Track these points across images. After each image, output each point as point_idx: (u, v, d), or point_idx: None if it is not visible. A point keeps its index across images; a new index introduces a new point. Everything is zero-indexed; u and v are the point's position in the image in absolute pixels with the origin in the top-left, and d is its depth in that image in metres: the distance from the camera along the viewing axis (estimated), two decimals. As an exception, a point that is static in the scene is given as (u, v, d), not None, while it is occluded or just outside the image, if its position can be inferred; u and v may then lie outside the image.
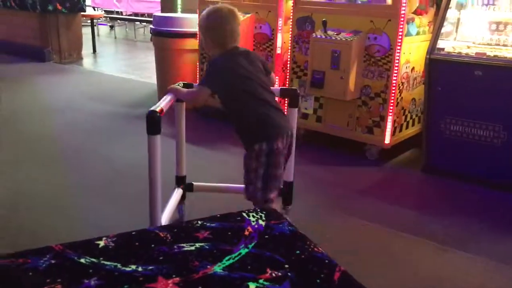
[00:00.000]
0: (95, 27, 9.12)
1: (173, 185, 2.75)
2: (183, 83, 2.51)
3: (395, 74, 3.56)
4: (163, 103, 2.16)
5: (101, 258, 1.09)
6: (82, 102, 5.32)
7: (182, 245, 1.17)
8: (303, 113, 4.10)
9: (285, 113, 2.41)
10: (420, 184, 3.54)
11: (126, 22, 12.43)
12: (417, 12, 3.70)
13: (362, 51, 3.64)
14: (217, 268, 1.07)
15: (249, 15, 4.25)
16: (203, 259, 1.10)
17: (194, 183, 2.83)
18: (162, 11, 6.32)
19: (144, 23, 11.67)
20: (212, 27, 2.29)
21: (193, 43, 4.83)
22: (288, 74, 4.20)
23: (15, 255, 1.08)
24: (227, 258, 1.12)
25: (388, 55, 3.55)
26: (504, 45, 3.38)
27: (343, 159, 3.86)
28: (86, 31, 8.64)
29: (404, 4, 3.41)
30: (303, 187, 3.27)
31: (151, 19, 6.23)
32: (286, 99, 2.80)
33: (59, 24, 7.63)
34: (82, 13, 8.03)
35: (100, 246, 1.14)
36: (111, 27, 12.52)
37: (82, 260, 1.07)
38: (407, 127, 3.94)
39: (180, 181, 2.79)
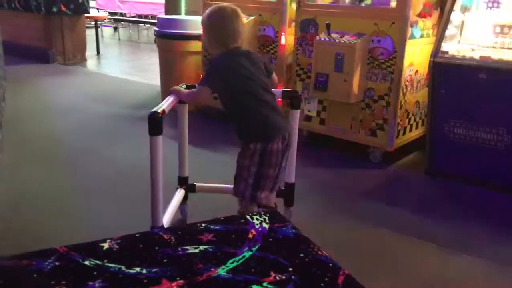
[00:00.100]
0: (99, 29, 9.15)
1: (175, 185, 2.77)
2: (186, 85, 2.52)
3: (399, 77, 3.55)
4: (165, 104, 2.18)
5: (106, 260, 1.09)
6: (85, 103, 5.34)
7: (186, 247, 1.17)
8: (307, 115, 4.10)
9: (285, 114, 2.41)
10: (424, 187, 3.53)
11: (130, 24, 12.45)
12: (421, 15, 3.70)
13: (365, 53, 3.64)
14: (221, 271, 1.07)
15: (253, 17, 4.26)
16: (207, 262, 1.10)
17: (196, 184, 2.85)
18: (166, 13, 6.33)
19: (148, 25, 11.69)
20: (214, 25, 2.29)
21: (197, 45, 4.83)
22: (291, 76, 4.21)
23: (19, 257, 1.09)
24: (231, 261, 1.12)
25: (392, 58, 3.55)
26: (509, 48, 3.37)
27: (346, 162, 3.85)
28: (90, 33, 8.66)
29: (408, 7, 3.41)
30: (306, 189, 3.27)
31: (155, 21, 6.25)
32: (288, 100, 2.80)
33: (63, 25, 7.65)
34: (86, 14, 8.05)
35: (104, 248, 1.14)
36: (115, 28, 12.55)
37: (87, 262, 1.07)
38: (410, 130, 3.93)
39: (183, 181, 2.81)
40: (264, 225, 1.31)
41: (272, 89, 2.38)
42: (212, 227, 1.27)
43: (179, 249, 1.16)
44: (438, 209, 3.11)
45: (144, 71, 7.47)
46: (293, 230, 1.29)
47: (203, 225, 1.29)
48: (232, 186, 2.33)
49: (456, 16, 3.55)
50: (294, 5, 4.08)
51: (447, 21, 3.45)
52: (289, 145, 2.34)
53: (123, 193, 3.08)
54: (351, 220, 2.89)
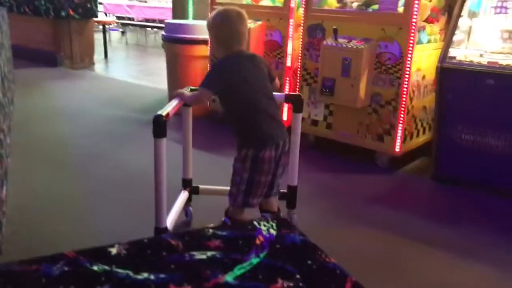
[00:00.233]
0: (107, 33, 9.20)
1: (180, 188, 2.80)
2: (190, 88, 2.54)
3: (406, 82, 3.55)
4: (169, 107, 2.22)
5: (114, 266, 1.09)
6: (93, 107, 5.37)
7: (193, 253, 1.17)
8: (313, 119, 4.10)
9: (283, 119, 2.41)
10: (430, 192, 3.52)
11: (138, 28, 12.53)
12: (428, 20, 3.70)
13: (373, 58, 3.64)
14: (229, 278, 1.07)
15: (260, 22, 4.27)
16: (215, 268, 1.10)
17: (200, 186, 2.89)
18: (174, 17, 6.36)
19: (155, 29, 11.75)
20: (219, 27, 2.30)
21: (204, 50, 4.85)
22: (298, 81, 4.21)
23: (28, 262, 1.09)
24: (238, 267, 1.11)
25: (399, 63, 3.54)
26: (517, 54, 3.36)
27: (353, 167, 3.85)
28: (98, 37, 8.72)
29: (415, 12, 3.41)
30: (313, 194, 3.27)
31: (162, 25, 6.27)
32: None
33: (71, 29, 7.71)
34: (94, 19, 8.11)
35: (112, 253, 1.14)
36: (123, 32, 12.63)
37: (95, 268, 1.08)
38: (417, 135, 3.92)
39: (187, 183, 2.85)
40: (272, 231, 1.31)
41: (275, 93, 2.39)
42: (219, 233, 1.27)
43: (187, 255, 1.16)
44: (445, 215, 3.10)
45: (151, 75, 7.51)
46: (300, 237, 1.28)
47: (211, 230, 1.29)
48: None
49: (463, 22, 3.54)
50: (301, 10, 4.09)
51: (455, 26, 3.45)
52: (284, 153, 2.33)
53: (130, 197, 3.10)
54: (357, 225, 2.89)
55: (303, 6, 4.03)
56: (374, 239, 2.74)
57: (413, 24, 3.43)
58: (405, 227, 2.88)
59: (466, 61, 3.38)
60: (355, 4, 4.02)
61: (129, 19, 12.95)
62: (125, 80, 7.09)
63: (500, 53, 3.41)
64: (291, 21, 4.15)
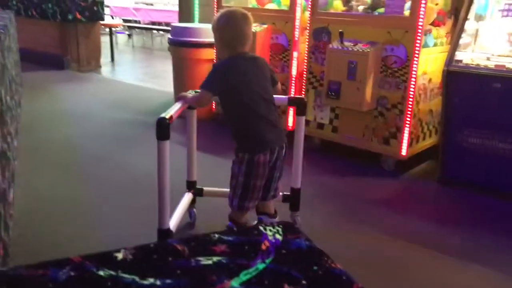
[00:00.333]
0: (114, 36, 9.24)
1: (184, 190, 2.83)
2: (195, 91, 2.55)
3: (412, 86, 3.54)
4: (173, 110, 2.24)
5: (120, 271, 1.09)
6: (100, 110, 5.39)
7: (199, 258, 1.17)
8: (319, 123, 4.10)
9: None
10: (437, 196, 3.50)
11: (144, 31, 12.58)
12: (435, 24, 3.68)
13: (379, 62, 3.63)
14: (234, 283, 1.07)
15: (266, 26, 4.27)
16: (220, 274, 1.10)
17: (204, 188, 2.91)
18: (180, 21, 6.38)
19: (162, 32, 11.79)
20: (223, 28, 2.29)
21: (210, 53, 4.86)
22: (303, 84, 4.21)
23: (35, 266, 1.10)
24: (244, 273, 1.11)
25: (405, 66, 3.53)
26: (524, 57, 3.34)
27: (358, 170, 3.84)
28: (105, 40, 8.76)
29: (421, 16, 3.40)
30: (318, 197, 3.27)
31: (168, 28, 6.29)
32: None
33: (78, 33, 7.75)
34: (100, 22, 8.15)
35: (118, 258, 1.15)
36: (129, 35, 12.68)
37: (101, 273, 1.08)
38: (424, 139, 3.91)
39: (191, 185, 2.87)
40: (278, 236, 1.30)
41: (278, 95, 2.39)
42: (225, 238, 1.27)
43: (193, 260, 1.16)
44: (451, 219, 3.08)
45: (157, 78, 7.53)
46: (306, 242, 1.28)
47: (216, 235, 1.29)
48: None
49: (470, 25, 3.53)
50: (307, 13, 4.09)
51: (461, 29, 3.43)
52: (280, 158, 2.33)
53: (136, 200, 3.10)
54: (363, 228, 2.88)
55: (309, 9, 4.03)
56: (380, 242, 2.73)
57: (419, 27, 3.42)
58: (411, 230, 2.87)
59: (472, 64, 3.36)
60: (361, 8, 4.02)
61: (136, 22, 13.01)
62: (131, 83, 7.12)
63: (507, 56, 3.39)
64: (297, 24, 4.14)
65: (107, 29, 9.33)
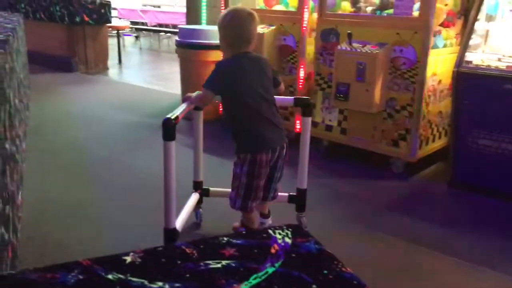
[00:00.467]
0: (121, 38, 9.28)
1: (191, 191, 2.85)
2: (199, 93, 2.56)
3: (422, 87, 3.51)
4: (178, 111, 2.26)
5: (128, 274, 1.08)
6: (107, 112, 5.41)
7: (208, 262, 1.16)
8: (327, 125, 4.08)
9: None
10: (447, 199, 3.47)
11: (151, 33, 12.63)
12: (444, 24, 3.65)
13: (387, 63, 3.61)
14: (244, 287, 1.05)
15: (274, 27, 4.26)
16: (230, 277, 1.09)
17: (211, 189, 2.92)
18: (187, 23, 6.39)
19: (169, 34, 11.82)
20: (227, 26, 2.28)
21: (217, 55, 4.85)
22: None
23: (43, 270, 1.09)
24: (253, 276, 1.10)
25: (415, 68, 3.50)
26: (536, 58, 3.31)
27: (367, 172, 3.81)
28: (112, 42, 8.79)
29: (431, 17, 3.36)
30: (327, 200, 3.25)
31: (176, 30, 6.30)
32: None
33: (86, 35, 7.79)
34: (108, 24, 8.18)
35: (127, 261, 1.14)
36: (136, 37, 12.73)
37: (110, 276, 1.07)
38: (433, 141, 3.87)
39: (197, 186, 2.89)
40: (287, 239, 1.29)
41: (284, 97, 2.39)
42: (234, 241, 1.26)
43: (201, 263, 1.15)
44: (462, 222, 3.05)
45: (164, 80, 7.54)
46: (316, 246, 1.26)
47: (225, 239, 1.28)
48: None
49: (480, 25, 3.49)
50: (315, 15, 4.07)
51: (471, 30, 3.40)
52: (281, 157, 2.34)
53: (143, 202, 3.10)
54: (372, 231, 2.85)
55: (317, 10, 4.01)
56: (389, 246, 2.70)
57: (429, 28, 3.39)
58: (421, 234, 2.84)
59: (483, 65, 3.33)
60: (369, 9, 4.00)
61: (143, 24, 13.06)
62: (138, 85, 7.13)
63: (519, 57, 3.36)
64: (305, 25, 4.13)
65: (115, 32, 9.37)
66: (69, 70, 7.73)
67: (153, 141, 4.30)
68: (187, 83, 5.16)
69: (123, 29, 10.54)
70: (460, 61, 3.36)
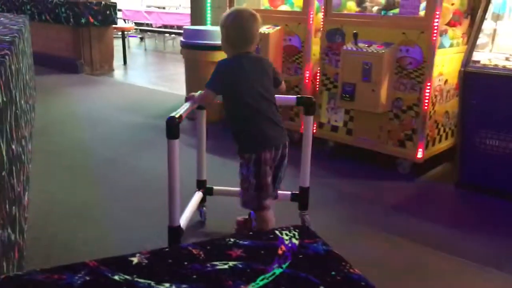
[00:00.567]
0: (126, 39, 9.29)
1: (195, 189, 2.85)
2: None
3: (428, 87, 3.49)
4: (182, 110, 2.27)
5: (135, 276, 1.08)
6: (113, 113, 5.41)
7: (215, 263, 1.15)
8: (333, 125, 4.06)
9: (282, 124, 2.40)
10: (454, 199, 3.45)
11: (156, 34, 12.64)
12: (451, 24, 3.63)
13: (393, 63, 3.59)
14: (251, 288, 1.04)
15: (279, 27, 4.25)
16: (237, 279, 1.08)
17: (214, 187, 2.93)
18: (192, 23, 6.39)
19: (173, 35, 11.84)
20: (230, 27, 2.29)
21: (222, 55, 4.83)
22: (317, 86, 4.17)
23: (50, 271, 1.08)
24: (260, 278, 1.09)
25: (421, 68, 3.48)
26: (543, 57, 3.28)
27: (373, 173, 3.79)
28: (117, 43, 8.81)
29: (437, 16, 3.35)
30: (332, 200, 3.24)
31: (180, 31, 6.30)
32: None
33: (91, 36, 7.81)
34: (113, 25, 8.20)
35: (133, 263, 1.13)
36: (141, 39, 12.76)
37: (116, 277, 1.06)
38: (440, 141, 3.85)
39: (201, 184, 2.89)
40: (294, 240, 1.28)
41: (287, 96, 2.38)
42: (241, 242, 1.25)
43: (208, 264, 1.14)
44: (469, 223, 3.02)
45: (169, 81, 7.55)
46: (323, 247, 1.25)
47: (232, 240, 1.27)
48: None
49: (487, 24, 3.46)
50: (320, 15, 4.06)
51: (479, 29, 3.37)
52: (284, 155, 2.34)
53: (148, 203, 3.10)
54: (378, 232, 2.84)
55: (323, 10, 4.00)
56: (395, 247, 2.69)
57: (435, 28, 3.37)
58: (428, 235, 2.82)
59: (490, 65, 3.30)
60: (375, 8, 3.98)
61: (148, 25, 13.09)
62: (143, 86, 7.14)
63: (526, 56, 3.33)
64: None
65: (120, 33, 9.39)
66: (75, 72, 7.75)
67: (158, 142, 4.29)
68: (192, 84, 5.15)
69: (128, 31, 10.57)
70: (467, 60, 3.33)
